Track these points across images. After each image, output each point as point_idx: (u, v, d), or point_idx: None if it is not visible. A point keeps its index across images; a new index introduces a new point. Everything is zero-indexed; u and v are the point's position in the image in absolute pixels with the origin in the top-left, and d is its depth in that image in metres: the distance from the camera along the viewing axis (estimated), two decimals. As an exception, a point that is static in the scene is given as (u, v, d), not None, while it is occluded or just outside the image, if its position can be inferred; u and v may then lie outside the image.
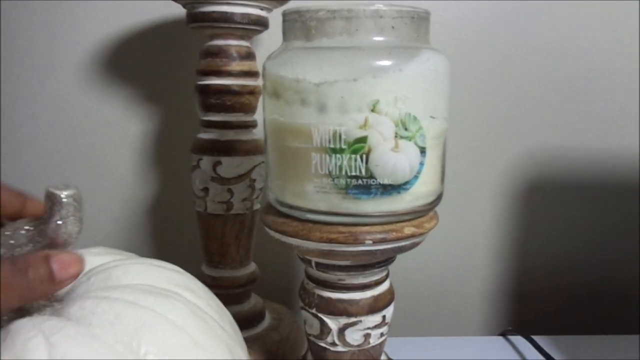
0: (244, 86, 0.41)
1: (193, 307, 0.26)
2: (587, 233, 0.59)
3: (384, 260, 0.34)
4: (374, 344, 0.35)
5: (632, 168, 0.58)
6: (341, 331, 0.34)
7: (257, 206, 0.45)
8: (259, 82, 0.43)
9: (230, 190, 0.42)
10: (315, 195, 0.30)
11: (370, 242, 0.30)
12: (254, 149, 0.43)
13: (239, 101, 0.41)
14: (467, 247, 0.59)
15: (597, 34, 0.55)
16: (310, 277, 0.35)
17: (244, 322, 0.45)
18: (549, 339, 0.51)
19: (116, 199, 0.56)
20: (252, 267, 0.47)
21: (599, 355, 0.49)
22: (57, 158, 0.54)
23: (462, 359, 0.49)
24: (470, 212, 0.58)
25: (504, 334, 0.53)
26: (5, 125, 0.54)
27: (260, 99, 0.43)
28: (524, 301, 0.60)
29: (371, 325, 0.34)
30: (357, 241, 0.30)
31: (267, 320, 0.47)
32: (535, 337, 0.50)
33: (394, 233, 0.30)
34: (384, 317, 0.35)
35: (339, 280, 0.33)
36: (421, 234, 0.31)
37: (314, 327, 0.35)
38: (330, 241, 0.30)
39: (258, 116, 0.44)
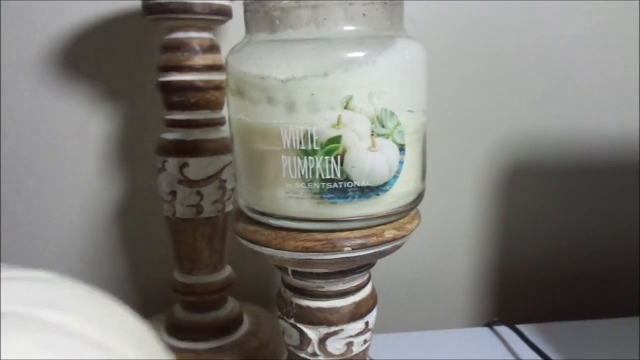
0: (208, 81, 0.39)
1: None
2: (570, 217, 0.59)
3: (364, 265, 0.32)
4: (357, 352, 0.33)
5: (614, 149, 0.57)
6: (322, 341, 0.32)
7: (229, 208, 0.42)
8: (224, 76, 0.40)
9: (199, 193, 0.40)
10: (287, 202, 0.27)
11: (349, 248, 0.28)
12: (223, 147, 0.40)
13: (203, 97, 0.39)
14: (447, 236, 0.58)
15: (576, 13, 0.54)
16: (287, 285, 0.33)
17: (221, 329, 0.43)
18: (535, 327, 0.50)
19: (80, 204, 0.52)
20: (227, 270, 0.44)
21: (587, 340, 0.48)
22: (13, 161, 0.51)
23: (448, 353, 0.48)
24: (449, 200, 0.57)
25: (489, 325, 0.52)
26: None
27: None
28: (509, 290, 0.59)
29: (353, 333, 0.32)
30: (334, 249, 0.27)
31: (245, 325, 0.45)
32: (522, 326, 0.50)
33: (374, 238, 0.28)
34: (366, 323, 0.33)
35: (318, 287, 0.31)
36: (403, 237, 0.29)
37: (293, 338, 0.33)
38: (307, 250, 0.27)
39: (225, 112, 0.41)
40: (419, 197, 0.31)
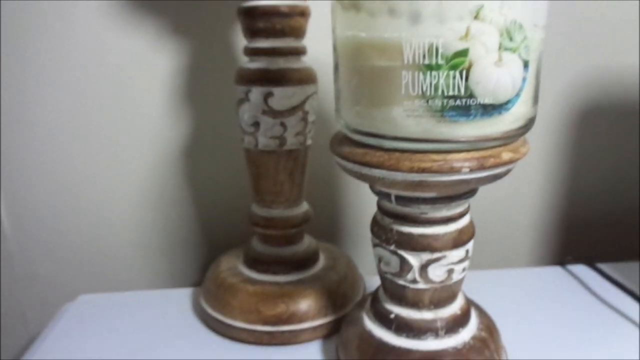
0: (293, 7, 0.37)
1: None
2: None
3: (470, 191, 0.31)
4: (456, 280, 0.33)
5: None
6: (423, 268, 0.32)
7: (309, 141, 0.42)
8: (307, 1, 0.39)
9: (283, 124, 0.39)
10: (405, 120, 0.26)
11: (467, 169, 0.27)
12: (307, 77, 0.39)
13: (288, 24, 0.37)
14: (517, 174, 0.56)
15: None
16: (386, 212, 0.32)
17: (301, 262, 0.43)
18: (609, 266, 0.50)
19: (148, 141, 0.52)
20: (305, 205, 0.44)
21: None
22: (80, 98, 0.51)
23: (523, 291, 0.47)
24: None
25: (562, 264, 0.51)
26: (18, 71, 0.50)
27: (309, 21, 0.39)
28: (579, 229, 0.58)
29: (455, 260, 0.32)
30: (452, 170, 0.27)
31: (322, 261, 0.45)
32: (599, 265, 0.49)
33: (492, 159, 0.27)
34: (467, 251, 0.33)
35: (422, 214, 0.31)
36: (517, 159, 0.28)
37: (391, 265, 0.33)
38: (422, 171, 0.27)
39: (306, 42, 0.40)
40: (532, 121, 0.29)
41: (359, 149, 0.29)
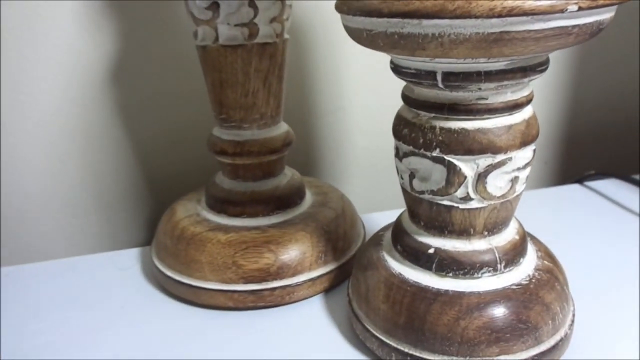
0: None
1: None
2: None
3: (547, 61, 0.22)
4: (518, 192, 0.24)
5: None
6: (481, 178, 0.23)
7: (287, 35, 0.31)
8: None
9: (253, 5, 0.28)
10: None
11: (575, 7, 0.17)
12: None
13: None
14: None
15: None
16: (424, 104, 0.23)
17: (284, 200, 0.33)
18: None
19: (62, 66, 0.39)
20: (285, 125, 0.34)
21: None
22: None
23: (543, 211, 0.40)
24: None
25: (579, 181, 0.44)
26: None
27: None
28: (578, 145, 0.52)
29: (521, 164, 0.23)
30: (553, 9, 0.17)
31: (309, 197, 0.36)
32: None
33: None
34: (534, 151, 0.24)
35: (480, 99, 0.21)
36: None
37: (432, 179, 0.23)
38: (510, 12, 0.17)
39: None
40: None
41: (397, -5, 0.18)
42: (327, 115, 0.46)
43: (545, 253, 0.27)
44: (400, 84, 0.24)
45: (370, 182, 0.49)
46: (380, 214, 0.41)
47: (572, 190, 0.43)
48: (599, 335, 0.27)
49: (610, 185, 0.43)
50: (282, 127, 0.33)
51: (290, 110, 0.35)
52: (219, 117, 0.32)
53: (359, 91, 0.45)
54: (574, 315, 0.26)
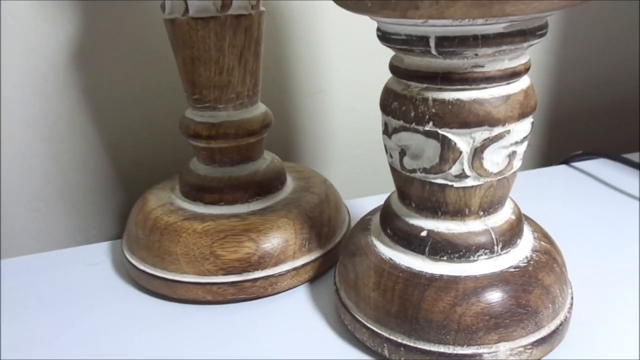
0: None
1: None
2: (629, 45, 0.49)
3: (545, 25, 0.20)
4: (515, 168, 0.23)
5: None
6: (477, 153, 0.21)
7: (262, 7, 0.29)
8: None
9: (225, -28, 0.26)
10: None
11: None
12: None
13: None
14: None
15: None
16: (415, 74, 0.21)
17: (265, 184, 0.31)
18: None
19: (21, 45, 0.36)
20: (262, 105, 0.32)
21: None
22: None
23: (528, 192, 0.39)
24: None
25: (566, 162, 0.43)
26: None
27: None
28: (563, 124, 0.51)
29: (520, 137, 0.22)
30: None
31: (290, 182, 0.34)
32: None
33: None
34: (532, 123, 0.22)
35: (476, 67, 0.20)
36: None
37: (425, 156, 0.22)
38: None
39: None
40: None
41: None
42: (307, 98, 0.44)
43: (542, 234, 0.26)
44: (386, 61, 0.23)
45: (352, 168, 0.47)
46: (364, 199, 0.39)
47: (559, 171, 0.42)
48: (598, 318, 0.26)
49: (597, 166, 0.42)
50: (260, 108, 0.31)
51: (267, 93, 0.33)
52: (191, 98, 0.30)
53: (341, 72, 0.44)
54: (572, 298, 0.25)
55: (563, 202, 0.37)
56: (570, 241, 0.29)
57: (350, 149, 0.46)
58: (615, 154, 0.40)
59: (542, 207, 0.36)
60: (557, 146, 0.52)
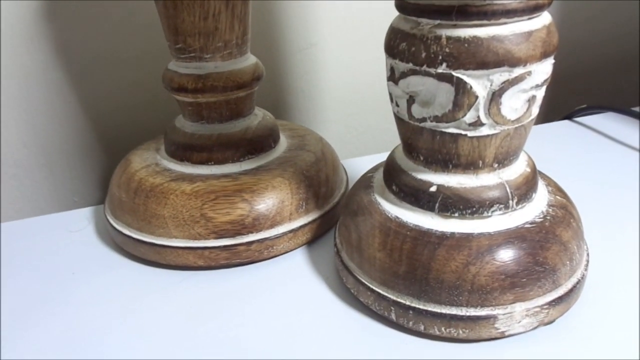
0: None
1: None
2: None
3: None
4: (534, 115, 0.21)
5: None
6: (495, 97, 0.19)
7: (250, -56, 0.26)
8: None
9: None
10: None
11: None
12: None
13: None
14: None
15: None
16: (425, 10, 0.19)
17: (257, 142, 0.29)
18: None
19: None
20: (252, 56, 0.29)
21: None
22: None
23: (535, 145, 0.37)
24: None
25: (569, 117, 0.42)
26: None
27: None
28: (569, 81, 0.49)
29: (540, 79, 0.20)
30: None
31: (284, 140, 0.32)
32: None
33: None
34: (552, 65, 0.20)
35: (495, -2, 0.18)
36: None
37: (436, 102, 0.20)
38: None
39: None
40: None
41: None
42: (297, 54, 0.41)
43: (556, 187, 0.24)
44: (382, 12, 0.20)
45: (347, 127, 0.45)
46: (361, 158, 0.37)
47: (563, 126, 0.40)
48: (612, 275, 0.25)
49: (601, 120, 0.40)
50: (250, 59, 0.29)
51: (253, 48, 0.30)
52: (174, 47, 0.27)
53: (333, 24, 0.41)
54: (588, 255, 0.24)
55: (568, 159, 0.36)
56: (578, 197, 0.27)
57: (344, 107, 0.44)
58: (622, 108, 0.38)
59: (545, 164, 0.35)
60: (558, 102, 0.50)
